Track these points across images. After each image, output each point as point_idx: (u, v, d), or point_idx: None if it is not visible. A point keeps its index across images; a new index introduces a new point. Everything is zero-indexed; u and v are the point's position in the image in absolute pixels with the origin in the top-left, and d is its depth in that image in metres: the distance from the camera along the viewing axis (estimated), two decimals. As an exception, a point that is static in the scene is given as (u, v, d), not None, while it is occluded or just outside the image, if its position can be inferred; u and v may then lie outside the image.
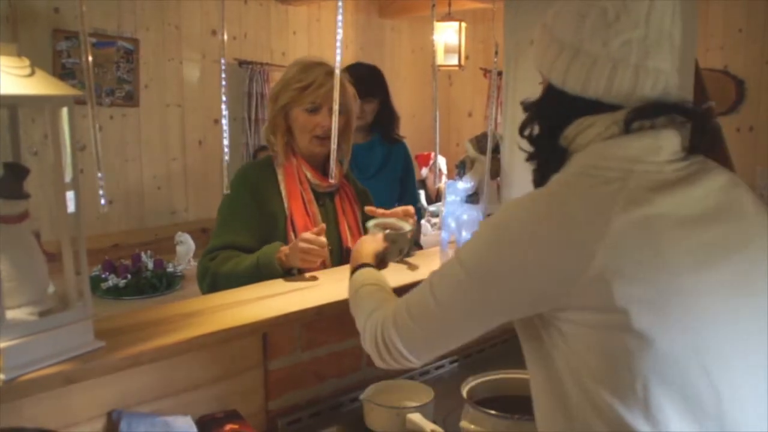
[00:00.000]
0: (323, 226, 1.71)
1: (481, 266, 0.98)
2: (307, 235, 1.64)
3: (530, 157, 1.08)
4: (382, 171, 2.75)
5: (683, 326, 0.88)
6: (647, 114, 0.95)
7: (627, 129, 0.95)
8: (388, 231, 1.51)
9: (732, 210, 0.97)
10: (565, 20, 0.99)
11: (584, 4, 0.97)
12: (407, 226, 1.56)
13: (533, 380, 1.03)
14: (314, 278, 1.67)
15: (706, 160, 1.01)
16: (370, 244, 1.44)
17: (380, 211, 1.71)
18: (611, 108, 0.96)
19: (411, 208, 1.75)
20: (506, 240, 0.96)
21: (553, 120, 1.03)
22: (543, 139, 1.05)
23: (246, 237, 1.78)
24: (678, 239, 0.90)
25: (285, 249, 1.68)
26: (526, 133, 1.07)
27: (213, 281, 1.73)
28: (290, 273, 1.71)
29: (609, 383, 0.89)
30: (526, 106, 1.08)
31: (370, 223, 1.55)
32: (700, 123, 0.98)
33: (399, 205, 2.67)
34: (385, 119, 2.79)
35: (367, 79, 2.69)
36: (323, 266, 1.74)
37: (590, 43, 0.96)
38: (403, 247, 1.51)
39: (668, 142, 0.95)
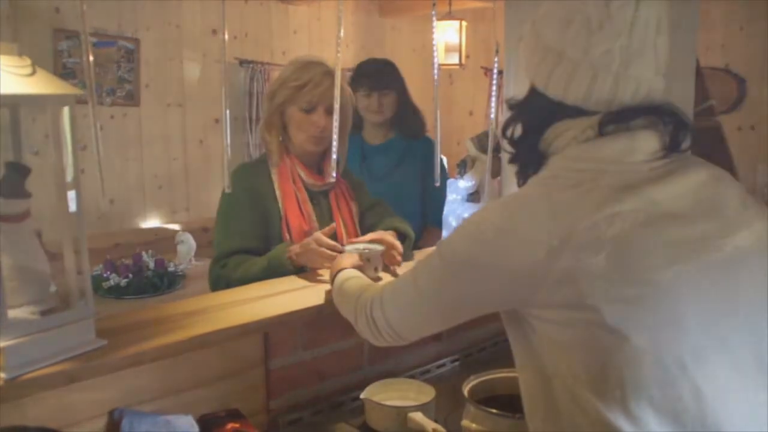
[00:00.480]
0: (333, 225, 1.72)
1: (455, 259, 1.01)
2: (319, 236, 1.64)
3: (512, 159, 1.09)
4: (397, 170, 2.60)
5: (658, 323, 0.87)
6: (622, 117, 0.95)
7: (602, 132, 0.95)
8: (364, 250, 1.58)
9: (712, 206, 0.96)
10: (551, 24, 0.99)
11: (571, 9, 0.97)
12: (380, 247, 1.62)
13: (520, 377, 1.04)
14: (317, 276, 1.67)
15: (688, 157, 1.00)
16: (348, 259, 1.49)
17: (367, 236, 1.72)
18: (592, 114, 0.96)
19: (398, 245, 1.71)
20: (478, 236, 0.98)
21: (534, 122, 1.03)
22: (523, 141, 1.06)
23: (249, 239, 1.78)
24: (649, 236, 0.89)
25: (295, 248, 1.68)
26: (508, 133, 1.07)
27: (227, 288, 1.72)
28: (303, 269, 1.71)
29: (588, 381, 0.89)
30: (511, 105, 1.08)
31: (348, 248, 1.62)
32: (679, 122, 0.97)
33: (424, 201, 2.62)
34: (402, 114, 2.62)
35: (379, 72, 2.60)
36: None
37: (573, 49, 0.95)
38: (377, 265, 1.59)
39: (644, 143, 0.95)
